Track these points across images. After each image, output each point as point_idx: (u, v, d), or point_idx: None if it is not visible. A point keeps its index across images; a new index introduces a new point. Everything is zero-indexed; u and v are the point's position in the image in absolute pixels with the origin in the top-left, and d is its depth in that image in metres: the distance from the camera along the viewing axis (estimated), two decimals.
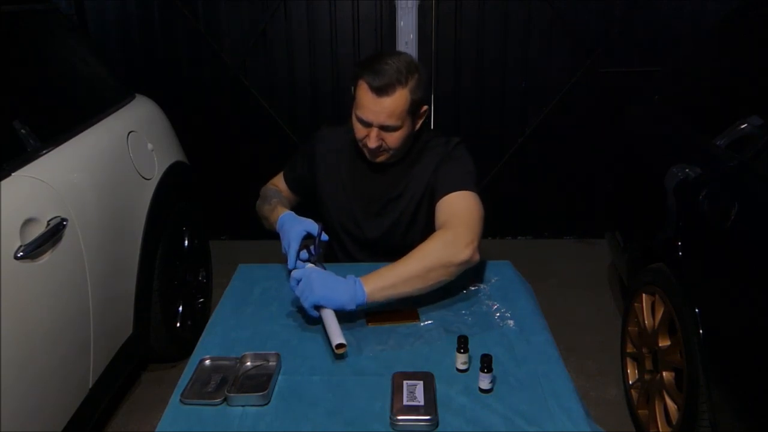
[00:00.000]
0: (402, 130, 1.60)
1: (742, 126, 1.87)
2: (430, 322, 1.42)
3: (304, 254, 1.51)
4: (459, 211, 1.55)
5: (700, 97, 2.37)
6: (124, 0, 3.58)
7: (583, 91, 3.60)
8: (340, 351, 1.27)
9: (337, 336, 1.28)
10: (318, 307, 1.37)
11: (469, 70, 3.61)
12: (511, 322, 1.42)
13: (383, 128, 1.58)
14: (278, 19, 3.56)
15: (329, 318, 1.34)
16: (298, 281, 1.40)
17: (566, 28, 3.51)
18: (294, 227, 1.54)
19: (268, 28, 3.58)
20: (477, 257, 1.47)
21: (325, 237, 1.55)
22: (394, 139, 1.60)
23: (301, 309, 1.41)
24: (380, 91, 1.53)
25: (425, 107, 1.65)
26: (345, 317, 1.38)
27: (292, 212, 1.63)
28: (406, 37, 3.48)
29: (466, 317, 1.45)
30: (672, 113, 2.50)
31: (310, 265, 1.49)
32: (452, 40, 3.56)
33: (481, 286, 1.59)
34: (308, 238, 1.53)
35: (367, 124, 1.58)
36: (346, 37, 3.58)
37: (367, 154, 1.67)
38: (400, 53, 1.63)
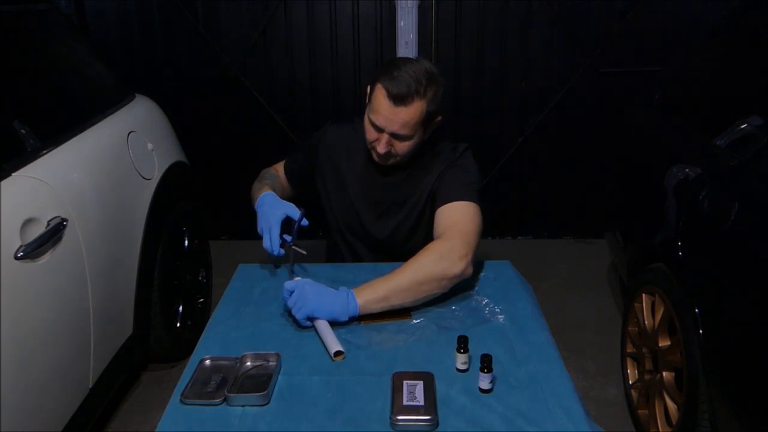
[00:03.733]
0: (413, 139, 1.59)
1: (742, 126, 1.87)
2: (421, 319, 1.42)
3: (278, 239, 1.53)
4: (456, 223, 1.56)
5: (700, 97, 2.37)
6: (124, 0, 3.58)
7: (583, 91, 3.60)
8: (338, 358, 1.27)
9: (334, 344, 1.28)
10: (311, 318, 1.37)
11: (469, 70, 3.61)
12: (501, 317, 1.43)
13: (394, 136, 1.56)
14: (278, 19, 3.56)
15: (323, 326, 1.34)
16: (290, 292, 1.40)
17: (566, 28, 3.51)
18: (274, 210, 1.54)
19: (268, 28, 3.58)
20: (470, 270, 1.49)
21: (305, 222, 1.56)
22: (403, 147, 1.59)
23: None
24: (398, 99, 1.50)
25: (439, 117, 1.63)
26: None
27: (273, 193, 1.63)
28: (406, 37, 3.48)
29: (456, 313, 1.45)
30: (672, 113, 2.50)
31: (297, 279, 1.49)
32: (452, 40, 3.56)
33: (477, 285, 1.59)
34: (288, 222, 1.54)
35: (379, 129, 1.56)
36: (346, 37, 3.58)
37: (374, 156, 1.66)
38: (421, 60, 1.58)
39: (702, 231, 1.86)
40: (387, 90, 1.51)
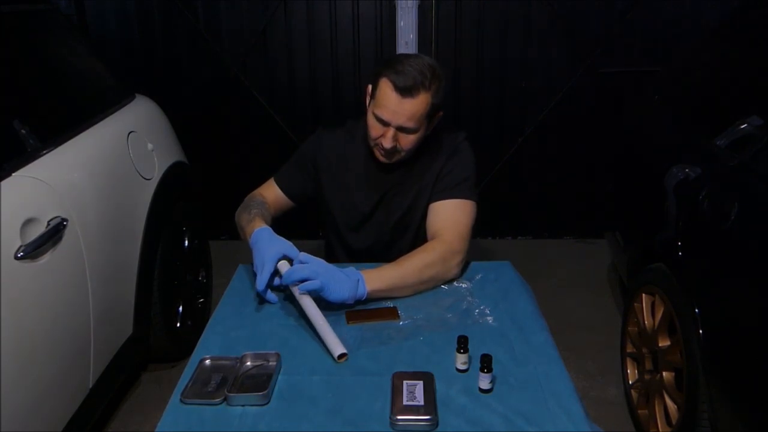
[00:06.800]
0: (418, 133, 1.59)
1: (742, 126, 1.87)
2: (409, 320, 1.42)
3: (277, 280, 1.47)
4: (455, 224, 1.61)
5: (700, 97, 2.37)
6: (124, 0, 3.58)
7: (583, 91, 3.60)
8: (342, 360, 1.27)
9: (337, 346, 1.27)
10: (304, 308, 1.37)
11: (469, 70, 3.61)
12: (490, 318, 1.42)
13: (401, 129, 1.57)
14: (278, 19, 3.56)
15: (324, 327, 1.32)
16: (301, 263, 1.42)
17: (566, 28, 3.51)
18: (270, 247, 1.46)
19: (268, 28, 3.58)
20: (460, 273, 1.60)
21: None
22: (408, 141, 1.60)
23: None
24: (404, 91, 1.51)
25: (441, 112, 1.65)
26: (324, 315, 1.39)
27: (269, 229, 1.54)
28: (406, 37, 3.48)
29: (445, 313, 1.45)
30: (672, 113, 2.50)
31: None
32: (452, 40, 3.56)
33: (477, 285, 1.59)
34: (283, 259, 1.47)
35: (385, 124, 1.57)
36: (346, 37, 3.58)
37: (378, 154, 1.66)
38: (422, 56, 1.60)
39: (702, 231, 1.86)
40: (394, 83, 1.52)
